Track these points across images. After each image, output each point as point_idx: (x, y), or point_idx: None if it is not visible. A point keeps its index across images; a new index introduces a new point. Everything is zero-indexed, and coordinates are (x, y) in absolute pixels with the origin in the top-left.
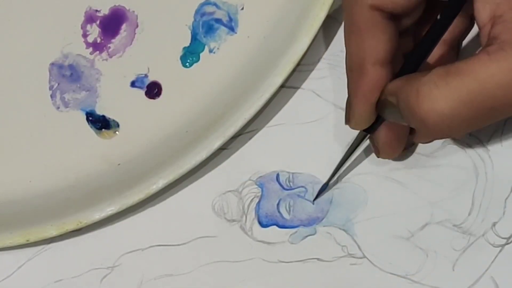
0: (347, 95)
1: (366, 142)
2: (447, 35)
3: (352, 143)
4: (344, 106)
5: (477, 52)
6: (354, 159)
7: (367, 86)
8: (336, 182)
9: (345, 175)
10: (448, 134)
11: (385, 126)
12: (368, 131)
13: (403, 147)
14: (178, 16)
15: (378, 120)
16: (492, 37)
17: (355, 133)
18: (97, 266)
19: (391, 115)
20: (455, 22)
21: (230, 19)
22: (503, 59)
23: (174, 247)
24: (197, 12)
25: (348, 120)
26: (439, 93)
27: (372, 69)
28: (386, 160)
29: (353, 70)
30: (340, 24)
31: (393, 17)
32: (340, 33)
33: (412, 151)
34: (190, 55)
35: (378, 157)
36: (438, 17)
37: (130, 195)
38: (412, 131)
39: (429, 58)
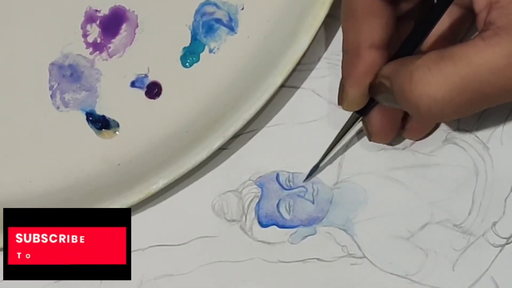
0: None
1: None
2: (445, 29)
3: (345, 125)
4: None
5: (472, 37)
6: (354, 159)
7: (361, 69)
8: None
9: (346, 173)
10: (440, 119)
11: (378, 109)
12: (361, 113)
13: (396, 132)
14: (178, 16)
15: (371, 103)
16: (488, 22)
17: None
18: None
19: (385, 98)
20: (453, 14)
21: (230, 19)
22: (497, 45)
23: (174, 247)
24: (197, 12)
25: (340, 102)
26: (432, 78)
27: (367, 52)
28: (387, 159)
29: (349, 52)
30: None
31: (392, 0)
32: (340, 33)
33: (412, 151)
34: (190, 55)
35: (370, 140)
36: (435, 0)
37: (130, 195)
38: (403, 126)
39: (425, 50)
